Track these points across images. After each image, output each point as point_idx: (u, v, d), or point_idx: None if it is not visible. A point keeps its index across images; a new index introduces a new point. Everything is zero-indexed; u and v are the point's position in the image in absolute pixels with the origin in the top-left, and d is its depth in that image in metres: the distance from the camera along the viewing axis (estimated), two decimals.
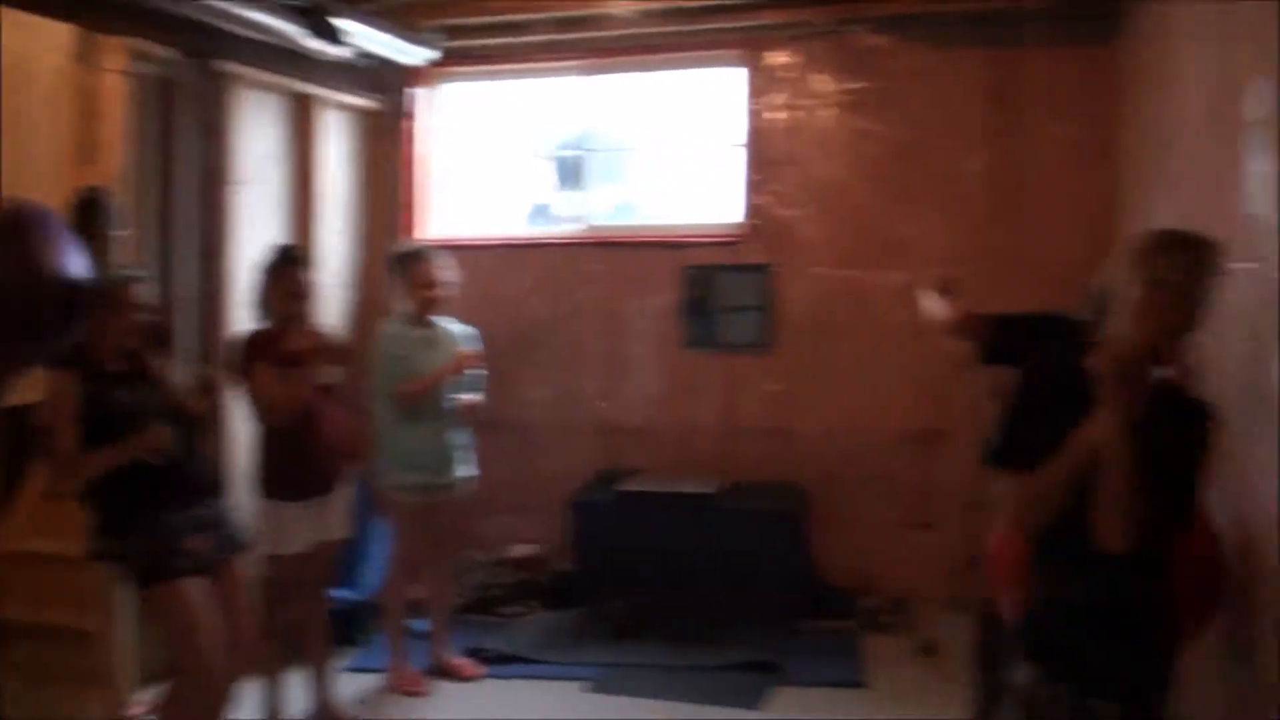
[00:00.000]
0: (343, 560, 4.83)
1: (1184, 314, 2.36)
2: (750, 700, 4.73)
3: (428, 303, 4.86)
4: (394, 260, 5.01)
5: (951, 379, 5.73)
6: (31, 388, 5.82)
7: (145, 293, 3.75)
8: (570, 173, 6.61)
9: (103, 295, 3.50)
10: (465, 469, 4.99)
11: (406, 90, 6.49)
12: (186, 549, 3.61)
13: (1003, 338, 3.65)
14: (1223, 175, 3.30)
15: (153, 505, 3.62)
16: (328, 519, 4.37)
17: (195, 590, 3.60)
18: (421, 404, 4.80)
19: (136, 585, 3.64)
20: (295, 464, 4.28)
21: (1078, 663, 2.46)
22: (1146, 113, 4.79)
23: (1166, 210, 4.34)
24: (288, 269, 4.34)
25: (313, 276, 4.49)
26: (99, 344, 3.58)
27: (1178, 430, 2.42)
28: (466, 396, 4.94)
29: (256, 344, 4.25)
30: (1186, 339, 2.41)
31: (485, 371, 5.03)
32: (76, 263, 1.77)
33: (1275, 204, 2.81)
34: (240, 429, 4.78)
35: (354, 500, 4.56)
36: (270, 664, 4.40)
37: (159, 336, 3.79)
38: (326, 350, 4.42)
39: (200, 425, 3.85)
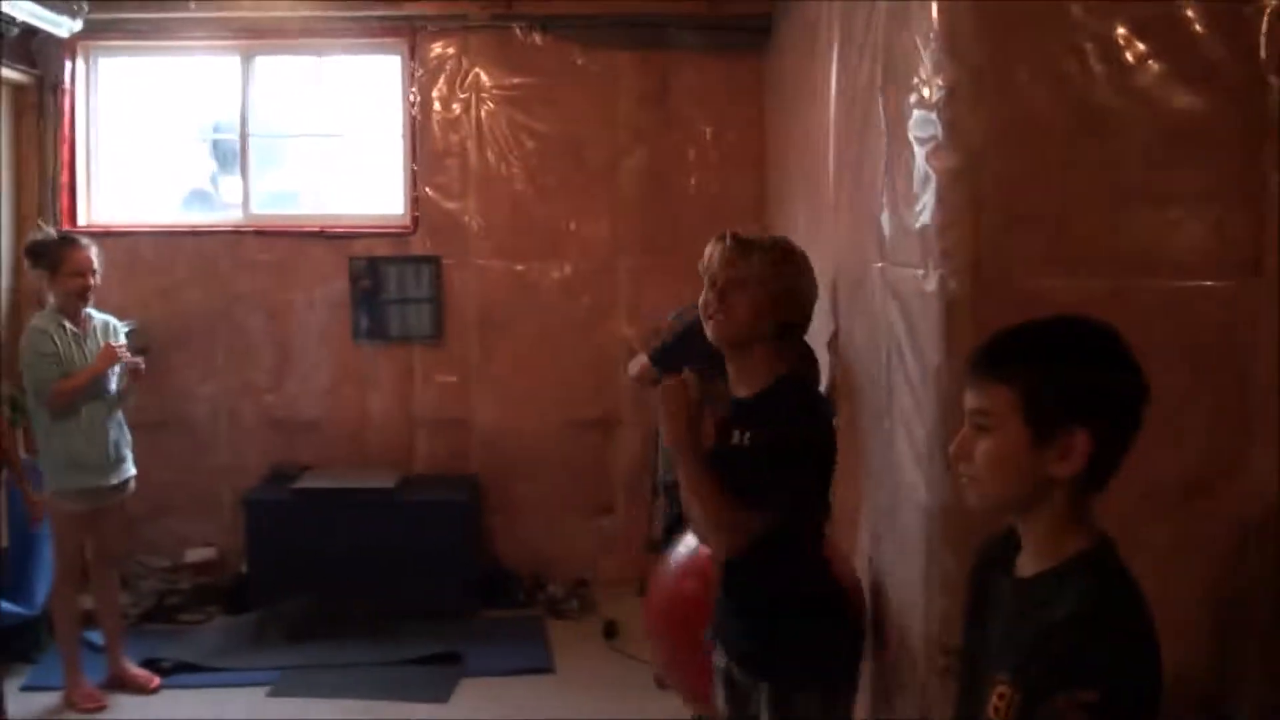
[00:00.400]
0: (10, 572, 4.54)
1: (744, 307, 2.61)
2: (440, 693, 4.83)
3: (79, 294, 4.62)
4: (39, 249, 4.69)
5: (617, 369, 6.04)
6: None
7: None
8: (229, 158, 6.39)
9: None
10: (129, 469, 4.80)
11: (61, 62, 6.05)
12: None
13: (666, 365, 3.93)
14: (860, 181, 3.59)
15: None
16: None
17: None
18: (77, 403, 4.56)
19: None
20: None
21: (731, 648, 2.74)
22: (791, 118, 5.14)
23: (806, 211, 4.69)
24: None
25: None
26: None
27: (779, 427, 2.57)
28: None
29: None
30: (761, 330, 2.62)
31: (143, 365, 4.83)
32: None
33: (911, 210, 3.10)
34: None
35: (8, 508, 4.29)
36: None
37: None
38: None
39: None
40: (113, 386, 4.71)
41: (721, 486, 2.54)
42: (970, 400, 1.72)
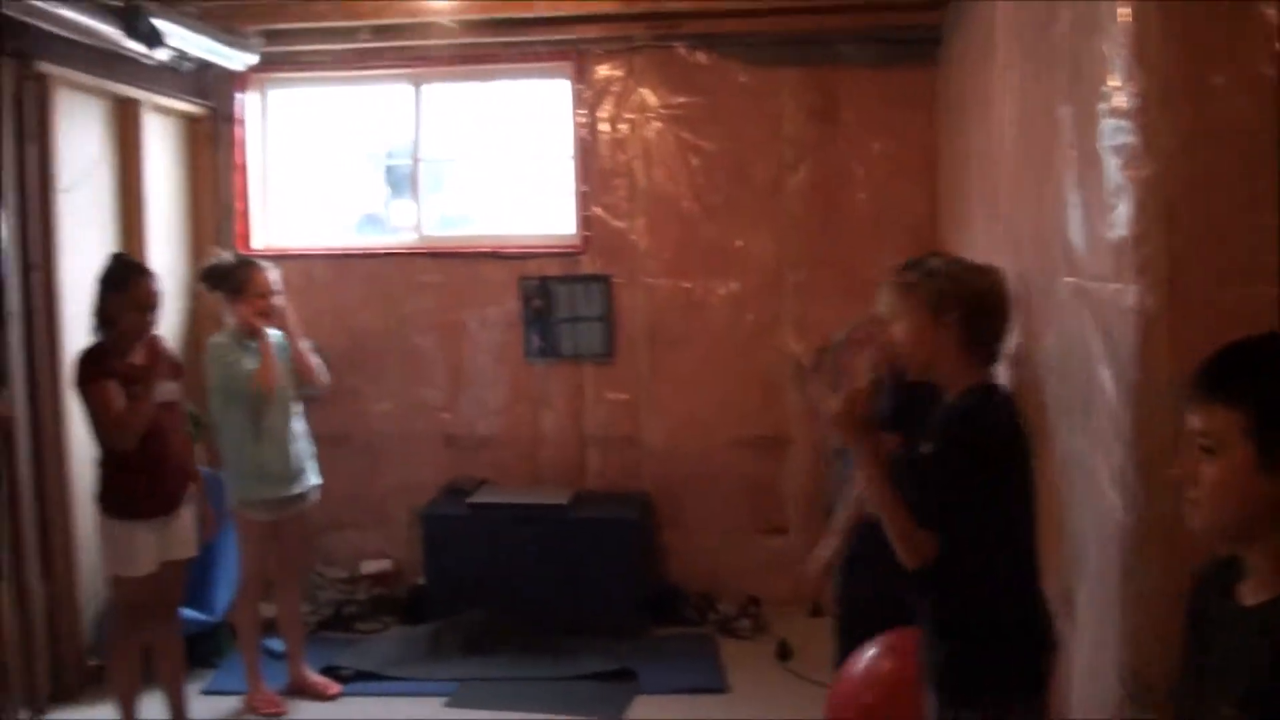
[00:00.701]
0: (192, 580, 4.72)
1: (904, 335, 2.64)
2: (613, 710, 4.85)
3: (263, 314, 4.80)
4: (219, 273, 4.90)
5: (786, 386, 6.00)
6: None
7: None
8: (401, 182, 6.57)
9: None
10: (313, 478, 4.98)
11: (232, 95, 6.34)
12: None
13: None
14: (1040, 196, 3.52)
15: None
16: (175, 538, 4.29)
17: None
18: (267, 414, 4.75)
19: None
20: (141, 483, 4.17)
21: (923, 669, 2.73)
22: (964, 130, 5.05)
23: (985, 225, 4.60)
24: (136, 279, 4.23)
25: (160, 287, 4.34)
26: None
27: (945, 437, 2.60)
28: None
29: (96, 360, 4.11)
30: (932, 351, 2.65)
31: (326, 382, 5.04)
32: None
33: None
34: (82, 447, 4.63)
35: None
36: (123, 688, 4.30)
37: None
38: (168, 364, 4.30)
39: None
40: (290, 399, 4.89)
41: (898, 501, 2.51)
42: (1193, 422, 1.66)
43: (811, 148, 6.03)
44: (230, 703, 4.92)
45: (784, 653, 5.38)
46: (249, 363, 4.75)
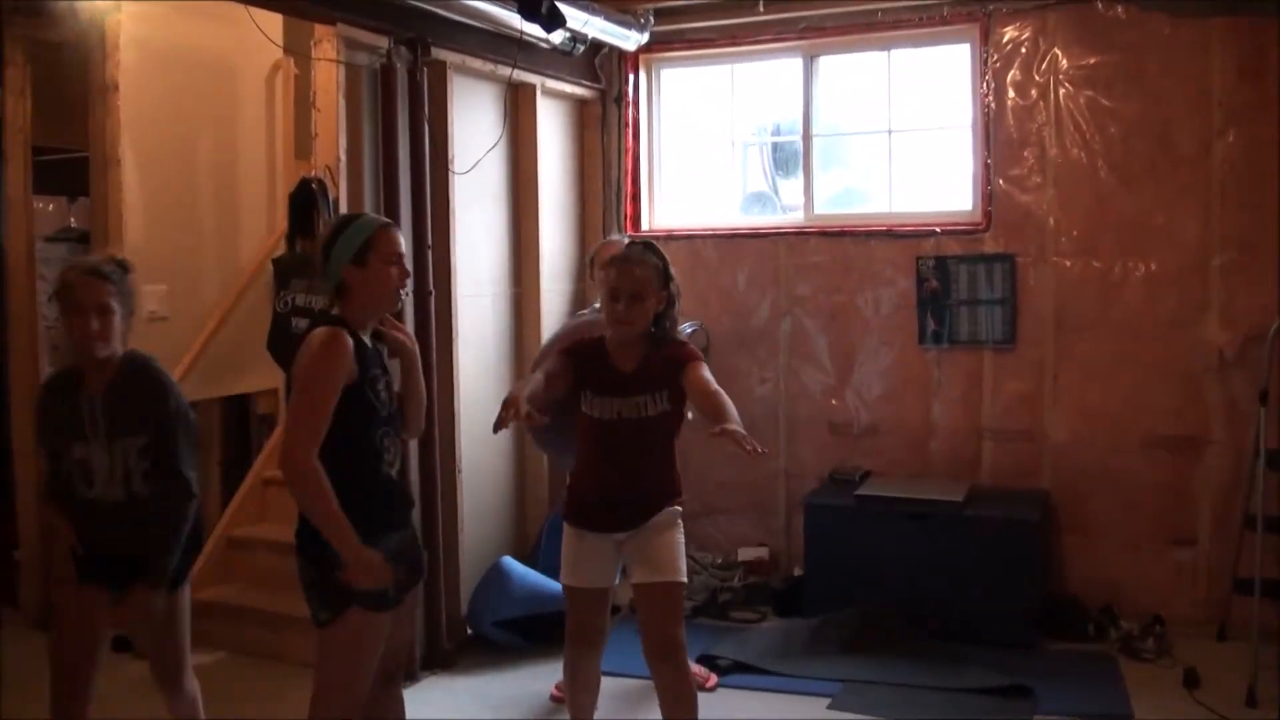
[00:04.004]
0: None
1: None
2: None
3: None
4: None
5: (1208, 380, 5.37)
6: (256, 377, 5.96)
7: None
8: (789, 159, 6.37)
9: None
10: None
11: (624, 75, 6.38)
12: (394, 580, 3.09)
13: None
14: None
15: (376, 521, 3.10)
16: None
17: (374, 633, 3.10)
18: None
19: (314, 607, 3.10)
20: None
21: None
22: None
23: None
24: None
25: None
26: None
27: None
28: None
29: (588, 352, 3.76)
30: None
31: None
32: None
33: None
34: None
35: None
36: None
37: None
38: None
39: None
40: None
41: None
42: None
43: (1241, 111, 5.31)
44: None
45: (1191, 680, 4.77)
46: None
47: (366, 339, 3.14)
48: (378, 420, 3.12)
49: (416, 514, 4.85)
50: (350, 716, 3.10)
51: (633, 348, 3.64)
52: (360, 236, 3.12)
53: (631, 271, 3.58)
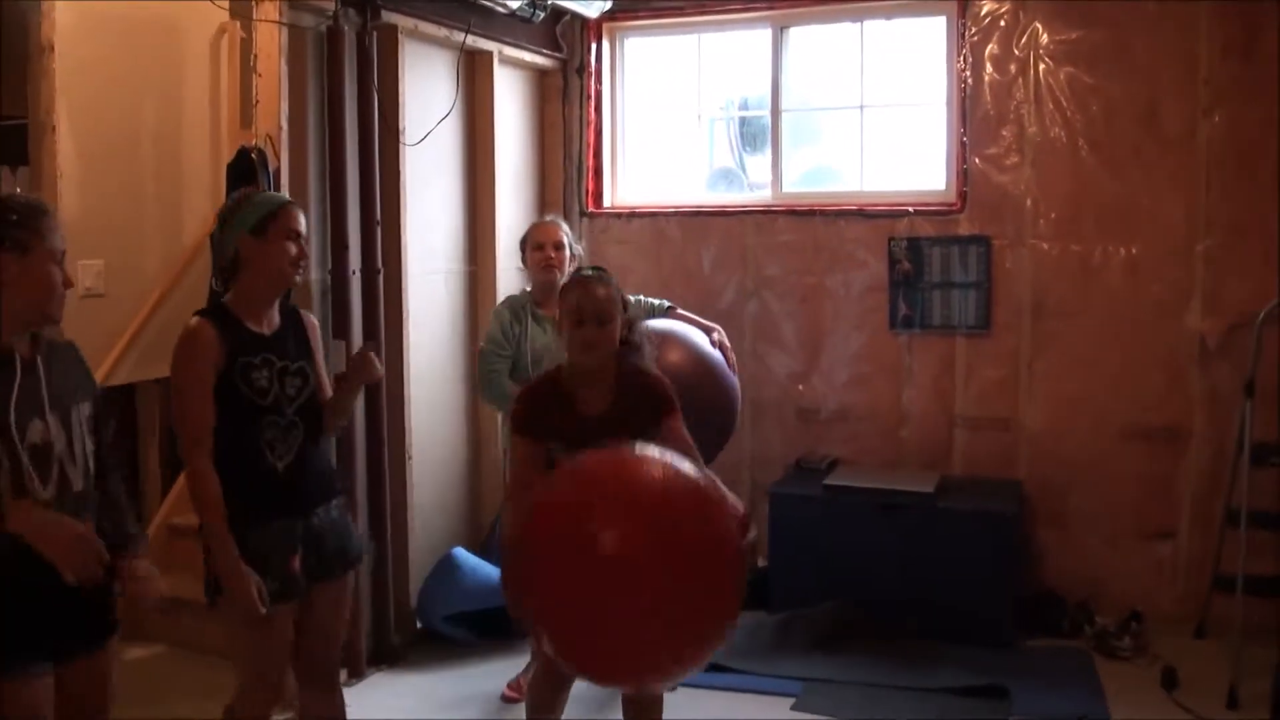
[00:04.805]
0: None
1: None
2: None
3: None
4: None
5: (1190, 369, 5.21)
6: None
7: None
8: (757, 135, 6.15)
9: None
10: None
11: (586, 44, 6.15)
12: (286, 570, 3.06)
13: None
14: None
15: (256, 513, 3.04)
16: None
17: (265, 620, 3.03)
18: None
19: (208, 593, 3.07)
20: None
21: None
22: None
23: None
24: None
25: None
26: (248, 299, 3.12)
27: None
28: None
29: None
30: None
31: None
32: None
33: None
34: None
35: None
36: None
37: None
38: None
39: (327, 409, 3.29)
40: None
41: None
42: None
43: (1229, 92, 5.13)
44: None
45: (1170, 680, 4.62)
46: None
47: (262, 324, 3.10)
48: (255, 410, 3.03)
49: (363, 501, 4.70)
50: (268, 697, 3.18)
51: (600, 383, 3.30)
52: (263, 209, 3.08)
53: (594, 291, 3.26)
